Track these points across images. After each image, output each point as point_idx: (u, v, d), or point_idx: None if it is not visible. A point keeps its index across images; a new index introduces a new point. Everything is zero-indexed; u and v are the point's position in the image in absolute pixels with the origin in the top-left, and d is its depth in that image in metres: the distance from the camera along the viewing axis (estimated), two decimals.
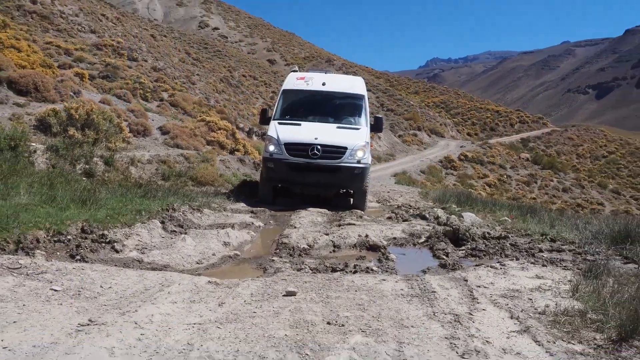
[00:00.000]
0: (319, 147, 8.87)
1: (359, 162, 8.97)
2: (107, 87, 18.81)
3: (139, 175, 10.95)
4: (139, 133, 13.37)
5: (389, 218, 8.16)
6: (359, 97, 10.12)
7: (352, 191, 9.35)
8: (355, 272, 4.74)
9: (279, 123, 9.55)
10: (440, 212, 8.40)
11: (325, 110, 10.03)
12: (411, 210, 9.23)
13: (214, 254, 5.57)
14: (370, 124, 9.84)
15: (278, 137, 9.10)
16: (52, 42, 20.67)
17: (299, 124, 9.49)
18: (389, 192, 14.18)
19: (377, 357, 2.54)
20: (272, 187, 9.37)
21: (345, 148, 8.92)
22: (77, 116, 11.04)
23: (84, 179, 9.21)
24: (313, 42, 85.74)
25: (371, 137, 10.35)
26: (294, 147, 8.95)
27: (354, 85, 10.38)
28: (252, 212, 7.97)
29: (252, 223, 7.23)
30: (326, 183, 9.00)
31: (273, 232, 7.00)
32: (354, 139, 9.15)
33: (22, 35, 18.79)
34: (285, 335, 2.79)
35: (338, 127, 9.46)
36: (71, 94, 13.53)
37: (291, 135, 9.12)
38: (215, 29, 69.84)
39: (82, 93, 14.72)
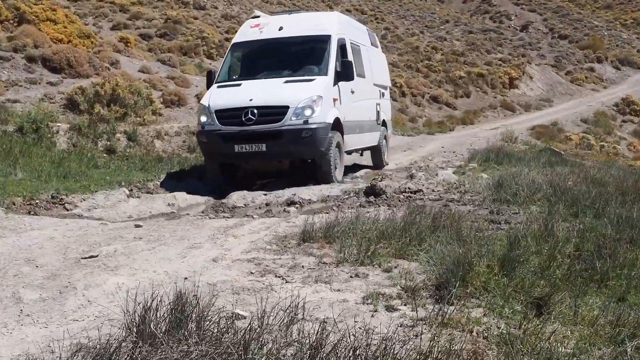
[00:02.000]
0: (253, 110, 9.50)
1: (306, 122, 9.50)
2: (164, 48, 22.51)
3: (163, 149, 14.51)
4: (173, 104, 16.96)
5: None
6: (323, 39, 10.49)
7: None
8: (215, 218, 7.55)
9: (218, 87, 10.49)
10: (421, 174, 10.48)
11: (280, 63, 10.70)
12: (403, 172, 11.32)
13: (150, 212, 8.59)
14: (337, 72, 10.36)
15: (209, 104, 9.97)
16: None
17: (239, 84, 10.31)
18: (443, 151, 16.18)
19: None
20: (218, 166, 10.28)
21: (287, 107, 9.50)
22: (103, 92, 14.83)
23: (104, 155, 13.00)
24: None
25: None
26: (225, 114, 9.75)
27: (319, 23, 10.84)
28: (169, 204, 8.94)
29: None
30: (268, 154, 9.62)
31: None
32: (300, 94, 9.65)
33: (59, 3, 22.00)
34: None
35: (286, 82, 10.04)
36: (107, 65, 17.55)
37: (223, 100, 9.91)
38: None
39: (121, 63, 18.83)
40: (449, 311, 3.62)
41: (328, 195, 9.02)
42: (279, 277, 4.70)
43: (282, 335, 3.30)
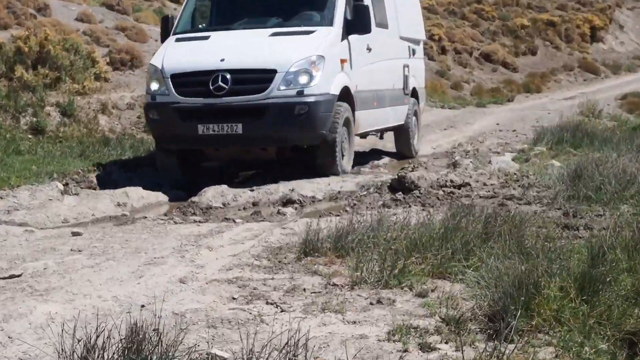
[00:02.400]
0: (225, 74, 9.45)
1: (300, 93, 9.50)
2: None
3: (111, 127, 14.57)
4: (124, 65, 17.03)
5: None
6: None
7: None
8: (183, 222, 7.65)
9: (177, 40, 10.52)
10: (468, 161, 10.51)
11: (265, 7, 10.73)
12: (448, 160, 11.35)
13: (93, 214, 8.64)
14: (347, 20, 10.34)
15: (162, 65, 9.91)
16: None
17: (206, 37, 10.35)
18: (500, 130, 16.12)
19: None
20: (175, 155, 10.27)
21: (273, 71, 9.45)
22: (27, 49, 14.85)
23: (29, 137, 13.05)
24: None
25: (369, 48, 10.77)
26: (185, 80, 9.73)
27: None
28: (119, 204, 9.05)
29: None
30: (246, 138, 9.59)
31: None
32: (293, 52, 9.66)
33: None
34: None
35: (273, 35, 10.07)
36: (32, 12, 17.50)
37: (183, 60, 9.91)
38: None
39: (52, 8, 18.79)
40: (507, 351, 3.62)
41: (339, 192, 9.08)
42: (272, 304, 4.71)
43: None
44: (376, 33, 11.22)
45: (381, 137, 13.79)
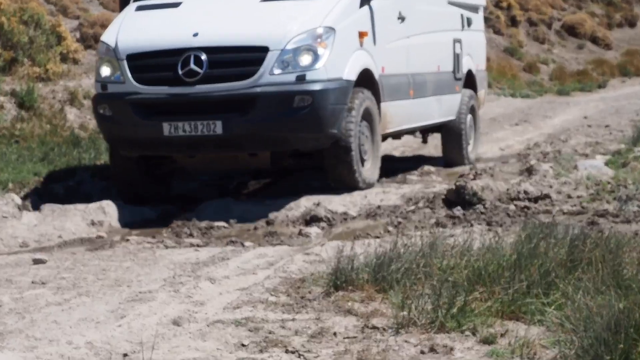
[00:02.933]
0: (200, 54, 9.21)
1: (301, 78, 9.27)
2: None
3: (81, 123, 14.66)
4: (98, 41, 17.10)
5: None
6: None
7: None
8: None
9: (139, 8, 10.29)
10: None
11: None
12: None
13: (60, 236, 8.73)
14: None
15: (117, 42, 9.73)
16: None
17: (177, 4, 10.09)
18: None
19: None
20: (135, 164, 10.08)
21: (265, 49, 9.21)
22: None
23: None
24: None
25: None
26: (147, 63, 9.62)
27: None
28: (93, 222, 9.22)
29: None
30: (227, 140, 9.30)
31: None
32: (293, 22, 9.44)
33: None
34: None
35: (265, 0, 9.87)
36: None
37: (144, 36, 9.77)
38: None
39: None
40: None
41: (378, 206, 9.16)
42: (293, 352, 4.70)
43: None
44: None
45: (424, 141, 13.70)
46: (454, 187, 9.10)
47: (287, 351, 4.75)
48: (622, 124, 16.63)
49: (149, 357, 4.40)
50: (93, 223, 9.13)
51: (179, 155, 10.14)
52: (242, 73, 9.30)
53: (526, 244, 5.90)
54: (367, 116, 10.02)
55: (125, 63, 9.59)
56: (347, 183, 9.75)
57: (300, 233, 8.35)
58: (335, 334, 5.00)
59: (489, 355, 4.63)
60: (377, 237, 7.49)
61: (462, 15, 13.40)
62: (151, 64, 9.65)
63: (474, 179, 9.64)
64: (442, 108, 12.43)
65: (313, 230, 8.41)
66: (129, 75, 9.56)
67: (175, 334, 5.10)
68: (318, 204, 9.14)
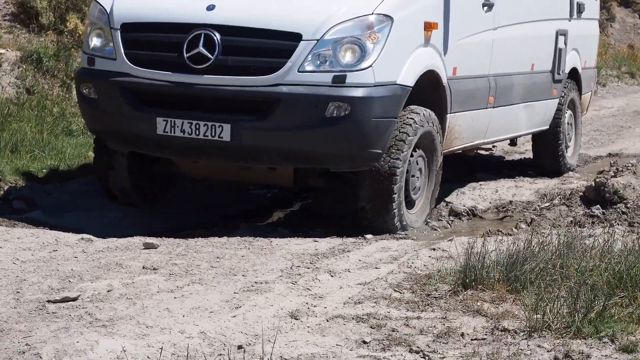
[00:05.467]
0: (214, 34, 7.84)
1: (339, 79, 7.79)
2: None
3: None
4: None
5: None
6: None
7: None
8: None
9: None
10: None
11: None
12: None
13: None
14: None
15: (113, 5, 8.36)
16: None
17: None
18: None
19: None
20: (125, 163, 8.92)
21: (297, 36, 7.82)
22: None
23: None
24: None
25: None
26: (145, 38, 8.31)
27: None
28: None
29: None
30: (236, 149, 8.00)
31: None
32: (336, 4, 8.05)
33: None
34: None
35: None
36: None
37: (147, 2, 8.48)
38: None
39: None
40: None
41: (510, 202, 9.18)
42: (417, 352, 4.68)
43: None
44: None
45: (513, 143, 12.44)
46: (593, 184, 8.93)
47: (411, 350, 4.72)
48: None
49: (265, 351, 4.38)
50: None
51: (178, 160, 9.02)
52: (264, 65, 7.92)
53: None
54: (428, 137, 8.64)
55: (119, 34, 8.26)
56: (379, 222, 8.29)
57: (426, 224, 8.47)
58: (462, 334, 4.97)
59: None
60: (510, 235, 7.43)
61: (571, 1, 11.98)
62: (150, 39, 8.34)
63: (615, 176, 9.44)
64: (532, 117, 11.05)
65: (440, 223, 8.34)
66: (122, 51, 8.23)
67: (293, 328, 5.11)
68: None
